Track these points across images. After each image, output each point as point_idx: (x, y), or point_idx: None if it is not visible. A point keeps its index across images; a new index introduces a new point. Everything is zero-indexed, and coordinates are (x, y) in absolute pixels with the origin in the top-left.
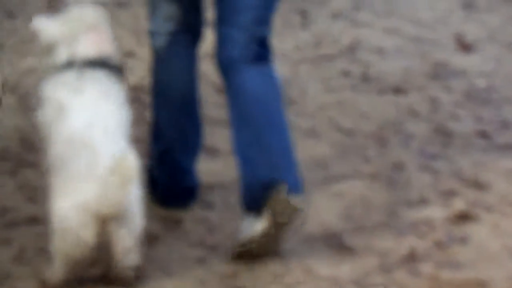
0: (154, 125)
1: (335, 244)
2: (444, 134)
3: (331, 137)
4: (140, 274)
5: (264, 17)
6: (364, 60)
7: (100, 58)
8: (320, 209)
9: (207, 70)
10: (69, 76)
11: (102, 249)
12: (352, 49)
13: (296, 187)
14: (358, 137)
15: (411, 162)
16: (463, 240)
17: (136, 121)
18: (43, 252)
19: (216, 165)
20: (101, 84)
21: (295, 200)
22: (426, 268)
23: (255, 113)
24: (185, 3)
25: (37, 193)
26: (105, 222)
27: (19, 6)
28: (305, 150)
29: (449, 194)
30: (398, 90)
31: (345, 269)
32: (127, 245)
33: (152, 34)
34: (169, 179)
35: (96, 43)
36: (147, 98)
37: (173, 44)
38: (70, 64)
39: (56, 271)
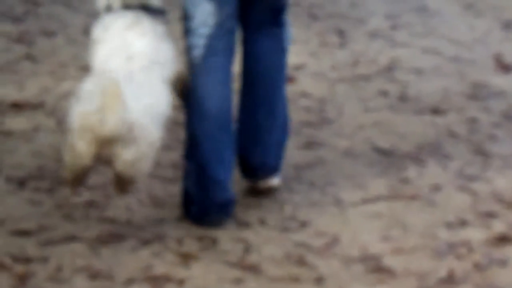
0: (189, 141)
1: (374, 266)
2: (483, 155)
3: (368, 157)
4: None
5: None
6: (402, 80)
7: (138, 1)
8: (358, 230)
9: None
10: (107, 18)
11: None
12: (389, 69)
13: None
14: (396, 157)
15: (450, 183)
16: (503, 263)
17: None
18: (80, 270)
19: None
20: (131, 20)
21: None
22: None
23: (258, 90)
24: (225, 10)
25: (74, 212)
26: (107, 143)
27: (58, 27)
28: (343, 170)
29: (488, 216)
30: (436, 111)
31: None
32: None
33: (190, 46)
34: (205, 194)
35: None
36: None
37: (209, 53)
38: (109, 8)
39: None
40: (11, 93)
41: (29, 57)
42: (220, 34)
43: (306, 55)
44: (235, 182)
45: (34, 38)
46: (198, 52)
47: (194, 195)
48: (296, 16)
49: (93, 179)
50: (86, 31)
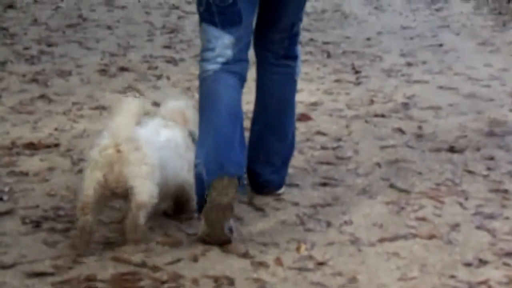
0: (201, 132)
1: None
2: (501, 193)
3: (386, 195)
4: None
5: (298, 17)
6: (418, 117)
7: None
8: (376, 270)
9: None
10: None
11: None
12: (405, 106)
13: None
14: (413, 196)
15: (468, 222)
16: None
17: None
18: None
19: (268, 224)
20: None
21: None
22: None
23: (270, 117)
24: (242, 36)
25: (89, 252)
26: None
27: (73, 67)
28: (360, 209)
29: (508, 255)
30: (453, 148)
31: None
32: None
33: (207, 70)
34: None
35: None
36: None
37: (225, 74)
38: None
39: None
40: (25, 134)
41: (44, 97)
42: (234, 61)
43: (321, 93)
44: (251, 223)
45: (49, 78)
46: (213, 71)
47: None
48: (311, 54)
49: (109, 215)
50: (100, 71)
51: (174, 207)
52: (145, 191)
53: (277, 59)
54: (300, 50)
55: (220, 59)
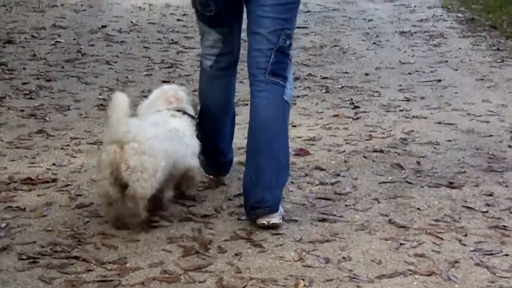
0: (199, 120)
1: None
2: (500, 230)
3: (385, 231)
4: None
5: (283, 28)
6: (417, 153)
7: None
8: None
9: None
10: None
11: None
12: (404, 142)
13: (274, 205)
14: (412, 232)
15: (467, 259)
16: None
17: None
18: None
19: (266, 260)
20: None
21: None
22: None
23: (260, 136)
24: (227, 33)
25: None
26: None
27: (71, 102)
28: (359, 245)
29: None
30: (452, 184)
31: None
32: (132, 165)
33: (203, 56)
34: (208, 157)
35: None
36: None
37: (217, 66)
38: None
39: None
40: (23, 169)
41: (42, 132)
42: (226, 53)
43: (320, 128)
44: (251, 261)
45: (47, 113)
46: (209, 63)
47: (205, 155)
48: (310, 89)
49: (105, 254)
50: (99, 106)
51: (177, 189)
52: (141, 185)
53: (266, 75)
54: (292, 76)
55: (214, 50)
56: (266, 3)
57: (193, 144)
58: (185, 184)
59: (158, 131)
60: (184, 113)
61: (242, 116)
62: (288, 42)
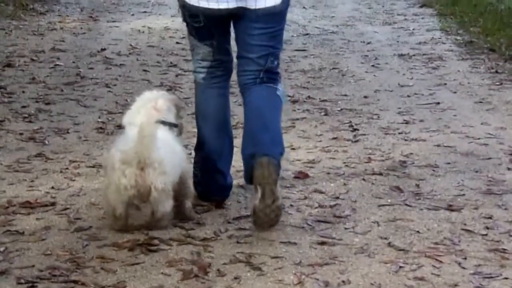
0: (198, 138)
1: None
2: (499, 253)
3: (384, 254)
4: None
5: (272, 53)
6: (416, 176)
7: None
8: None
9: None
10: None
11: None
12: (403, 165)
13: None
14: (411, 255)
15: (467, 282)
16: None
17: None
18: None
19: (265, 283)
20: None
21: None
22: None
23: (254, 118)
24: (216, 46)
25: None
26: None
27: (70, 125)
28: (358, 269)
29: None
30: (451, 207)
31: None
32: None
33: (195, 71)
34: (209, 178)
35: None
36: None
37: (209, 77)
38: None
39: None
40: (22, 192)
41: (41, 156)
42: (217, 65)
43: (319, 151)
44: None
45: (46, 137)
46: (201, 76)
47: (200, 179)
48: (309, 111)
49: (104, 278)
50: (98, 129)
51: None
52: (163, 206)
53: (256, 84)
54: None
55: (205, 63)
56: (253, 32)
57: (180, 150)
58: (183, 191)
59: (165, 148)
60: (164, 123)
61: (240, 140)
62: (275, 62)
